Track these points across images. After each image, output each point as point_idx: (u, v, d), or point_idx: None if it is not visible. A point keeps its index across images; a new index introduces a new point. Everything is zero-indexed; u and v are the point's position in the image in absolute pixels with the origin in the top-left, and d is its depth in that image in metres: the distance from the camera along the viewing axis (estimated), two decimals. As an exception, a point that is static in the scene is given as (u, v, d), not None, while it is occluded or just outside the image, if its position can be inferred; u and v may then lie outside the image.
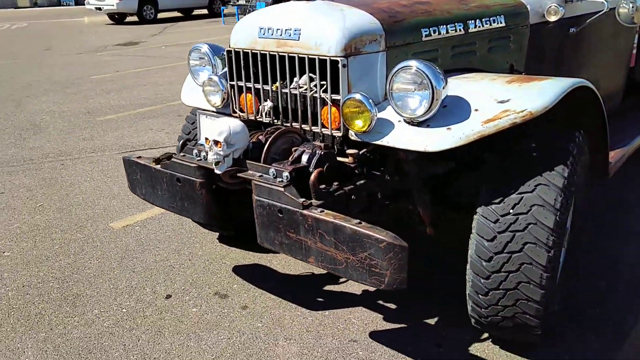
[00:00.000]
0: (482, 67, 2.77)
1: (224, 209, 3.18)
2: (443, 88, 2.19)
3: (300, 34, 2.46)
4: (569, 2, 3.00)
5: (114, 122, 6.66)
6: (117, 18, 20.51)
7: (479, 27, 2.72)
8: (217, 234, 3.61)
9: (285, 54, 2.51)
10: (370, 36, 2.40)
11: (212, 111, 2.97)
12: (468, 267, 2.29)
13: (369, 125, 2.30)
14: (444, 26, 2.61)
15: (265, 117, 2.69)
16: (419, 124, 2.25)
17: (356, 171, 2.47)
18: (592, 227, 3.57)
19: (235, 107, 2.82)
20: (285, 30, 2.51)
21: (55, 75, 9.91)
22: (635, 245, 3.40)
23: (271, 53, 2.56)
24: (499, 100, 2.24)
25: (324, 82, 2.42)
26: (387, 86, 2.29)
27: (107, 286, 3.11)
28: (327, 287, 3.03)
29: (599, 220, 3.68)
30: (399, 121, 2.31)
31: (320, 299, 2.94)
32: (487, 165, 2.43)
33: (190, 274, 3.21)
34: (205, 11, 22.42)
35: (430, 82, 2.16)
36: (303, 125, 2.56)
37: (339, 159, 2.46)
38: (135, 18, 20.14)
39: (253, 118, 2.74)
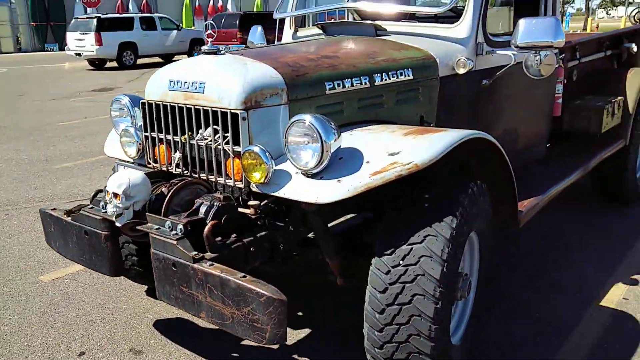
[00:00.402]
0: (391, 118, 2.81)
1: (142, 261, 3.17)
2: (334, 141, 2.23)
3: (204, 87, 2.51)
4: (480, 56, 3.09)
5: (70, 170, 6.64)
6: (97, 64, 20.75)
7: (386, 80, 2.78)
8: (145, 286, 3.56)
9: (192, 107, 2.55)
10: (272, 90, 2.45)
11: (129, 162, 3.00)
12: (364, 319, 2.27)
13: (266, 177, 2.32)
14: (349, 80, 2.66)
15: (176, 168, 2.70)
16: (313, 176, 2.27)
17: (258, 222, 2.47)
18: (514, 274, 3.60)
19: (150, 159, 2.83)
20: (192, 83, 2.56)
21: (22, 121, 9.93)
22: (552, 293, 3.40)
23: (179, 105, 2.60)
24: (390, 152, 2.28)
25: (227, 134, 2.46)
26: (284, 139, 2.33)
27: (21, 344, 3.02)
28: (245, 342, 2.97)
29: (520, 266, 3.71)
30: (296, 173, 2.33)
31: (235, 354, 2.88)
32: (385, 216, 2.44)
33: (109, 329, 3.14)
34: (185, 57, 22.73)
35: (320, 136, 2.19)
36: (209, 177, 2.58)
37: (242, 210, 2.47)
38: (115, 64, 20.40)
39: (166, 169, 2.76)
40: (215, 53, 2.63)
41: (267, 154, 2.31)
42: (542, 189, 3.26)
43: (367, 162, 2.26)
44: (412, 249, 2.19)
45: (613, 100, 4.19)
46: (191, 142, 2.60)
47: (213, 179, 2.57)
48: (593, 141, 4.18)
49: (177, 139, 2.66)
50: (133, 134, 2.86)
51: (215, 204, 2.37)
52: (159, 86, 2.71)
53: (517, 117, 3.51)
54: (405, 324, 2.15)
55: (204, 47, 2.64)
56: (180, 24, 24.18)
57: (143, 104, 2.78)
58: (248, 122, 2.40)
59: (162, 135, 2.73)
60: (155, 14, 23.37)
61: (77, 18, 21.51)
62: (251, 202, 2.43)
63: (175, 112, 2.63)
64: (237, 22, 20.72)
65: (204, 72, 2.55)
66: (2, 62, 24.90)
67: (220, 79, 2.48)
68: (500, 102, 3.32)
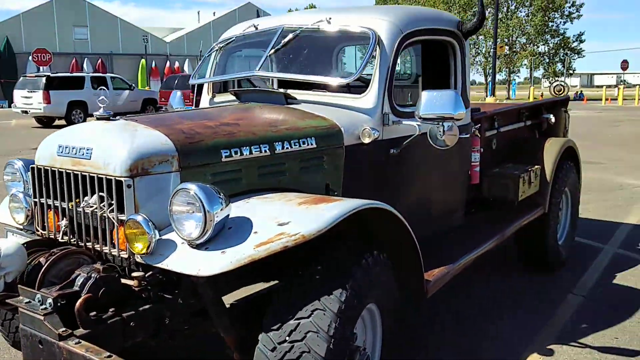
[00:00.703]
0: (296, 186, 2.75)
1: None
2: (221, 210, 2.16)
3: (91, 153, 2.43)
4: (386, 125, 3.10)
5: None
6: (45, 121, 20.35)
7: (287, 148, 2.74)
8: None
9: (79, 173, 2.45)
10: (161, 157, 2.37)
11: (19, 229, 2.84)
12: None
13: (148, 248, 2.21)
14: (247, 147, 2.61)
15: (63, 236, 2.56)
16: (198, 247, 2.18)
17: (143, 295, 2.32)
18: (428, 343, 3.52)
19: (38, 225, 2.68)
20: (80, 148, 2.47)
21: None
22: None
23: (67, 171, 2.50)
24: (280, 222, 2.21)
25: (113, 202, 2.35)
26: (169, 208, 2.23)
27: None
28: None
29: (433, 336, 3.64)
30: (182, 243, 2.23)
31: None
32: (276, 288, 2.34)
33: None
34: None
35: (203, 205, 2.11)
36: (95, 246, 2.44)
37: (125, 282, 2.32)
38: (64, 122, 20.04)
39: (54, 237, 2.61)
40: (108, 119, 2.56)
41: (149, 223, 2.21)
42: (454, 257, 3.20)
43: (255, 232, 2.19)
44: (299, 324, 2.10)
45: (530, 169, 4.29)
46: (78, 209, 2.48)
47: (99, 248, 2.43)
48: (512, 209, 4.23)
49: (64, 205, 2.54)
50: (21, 200, 2.72)
51: (92, 275, 2.22)
52: (48, 151, 2.61)
53: (429, 186, 3.51)
54: (287, 407, 2.01)
55: (96, 113, 2.57)
56: (134, 84, 24.18)
57: (33, 168, 2.66)
58: (134, 190, 2.31)
59: (50, 202, 2.60)
60: (108, 74, 23.38)
61: (26, 76, 21.29)
62: (135, 274, 2.30)
63: (63, 178, 2.52)
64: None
65: (93, 137, 2.48)
66: (-55, 118, 24.14)
67: (107, 145, 2.40)
68: (409, 171, 3.32)
